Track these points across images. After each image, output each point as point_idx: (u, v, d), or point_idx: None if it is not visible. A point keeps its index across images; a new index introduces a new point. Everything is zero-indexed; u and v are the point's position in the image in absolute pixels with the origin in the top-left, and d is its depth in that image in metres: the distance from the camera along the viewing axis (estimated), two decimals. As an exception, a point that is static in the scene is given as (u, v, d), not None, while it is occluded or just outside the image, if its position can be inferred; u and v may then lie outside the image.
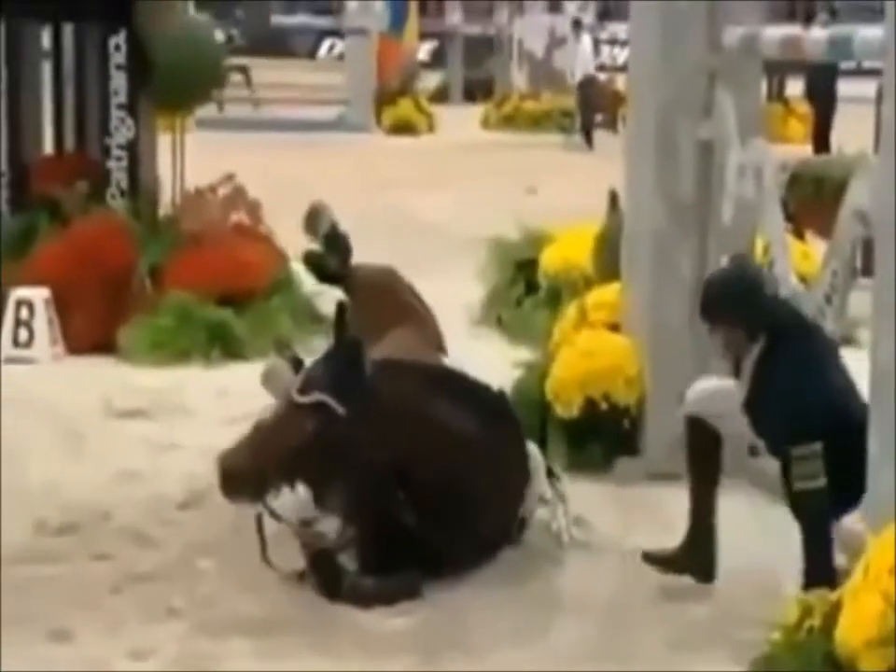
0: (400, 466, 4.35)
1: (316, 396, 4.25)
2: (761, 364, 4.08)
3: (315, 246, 5.31)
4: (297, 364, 4.77)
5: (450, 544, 4.38)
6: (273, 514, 4.34)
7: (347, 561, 4.39)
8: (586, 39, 20.50)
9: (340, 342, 4.43)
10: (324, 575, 4.36)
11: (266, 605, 4.28)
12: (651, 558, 4.34)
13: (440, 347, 5.04)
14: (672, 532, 4.42)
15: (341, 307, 4.52)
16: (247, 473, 4.25)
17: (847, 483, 3.90)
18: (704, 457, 4.26)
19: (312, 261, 5.29)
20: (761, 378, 4.08)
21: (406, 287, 5.23)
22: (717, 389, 4.28)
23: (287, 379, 5.19)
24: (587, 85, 19.75)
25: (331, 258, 5.24)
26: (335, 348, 4.43)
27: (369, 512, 4.39)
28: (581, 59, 20.25)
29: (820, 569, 3.83)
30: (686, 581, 4.34)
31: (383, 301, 5.09)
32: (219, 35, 8.97)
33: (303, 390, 4.31)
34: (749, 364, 4.12)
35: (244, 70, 21.96)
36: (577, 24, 21.20)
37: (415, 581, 4.33)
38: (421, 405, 4.41)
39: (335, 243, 5.24)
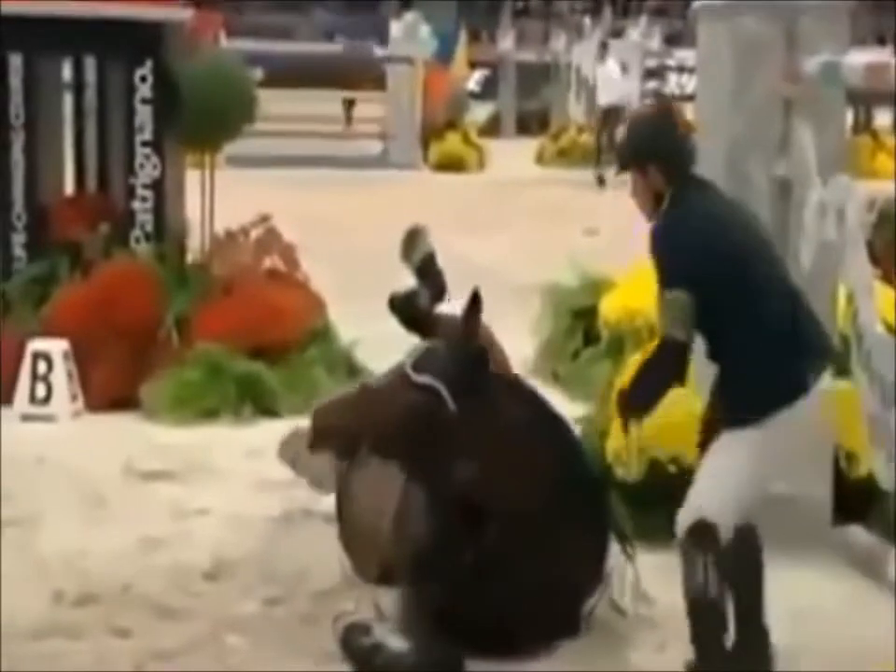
0: (477, 497, 4.37)
1: (431, 380, 4.36)
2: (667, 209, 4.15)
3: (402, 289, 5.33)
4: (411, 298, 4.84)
5: (506, 615, 4.36)
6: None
7: (384, 631, 4.39)
8: (611, 64, 20.45)
9: (469, 336, 4.49)
10: (359, 650, 4.37)
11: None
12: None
13: None
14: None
15: (475, 297, 4.55)
16: (341, 429, 4.37)
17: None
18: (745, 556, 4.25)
19: (398, 303, 5.29)
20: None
21: (495, 343, 5.26)
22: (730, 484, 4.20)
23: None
24: (609, 116, 19.72)
25: (422, 295, 5.25)
26: (463, 342, 4.49)
27: (429, 542, 4.39)
28: (603, 85, 20.19)
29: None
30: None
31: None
32: (250, 69, 9.05)
33: (418, 368, 4.39)
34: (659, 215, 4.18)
35: (351, 104, 22.37)
36: (603, 46, 21.24)
37: (457, 660, 4.33)
38: (528, 437, 4.46)
39: (429, 275, 5.25)
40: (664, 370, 4.12)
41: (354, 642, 4.41)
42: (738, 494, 4.08)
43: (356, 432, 4.51)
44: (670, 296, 4.02)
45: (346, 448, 4.58)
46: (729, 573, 4.08)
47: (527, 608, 4.40)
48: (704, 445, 4.23)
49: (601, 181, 19.05)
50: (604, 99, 20.13)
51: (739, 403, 4.11)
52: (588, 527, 4.58)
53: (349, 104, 23.74)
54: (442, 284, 5.27)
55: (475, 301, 4.57)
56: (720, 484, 4.06)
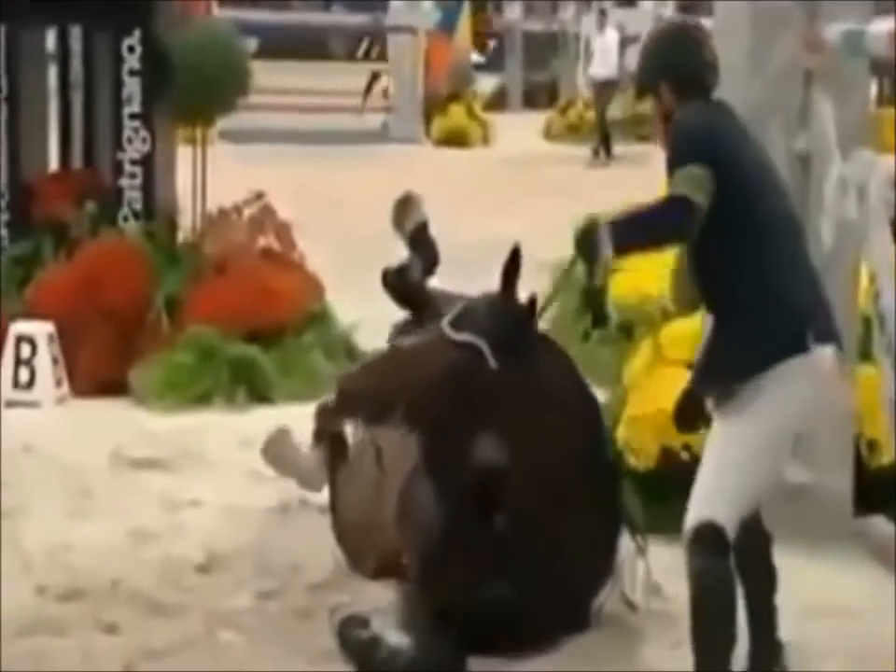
0: (493, 486, 4.31)
1: (470, 337, 4.31)
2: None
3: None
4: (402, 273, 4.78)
5: (512, 609, 4.35)
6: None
7: (383, 625, 4.39)
8: (611, 34, 20.30)
9: (509, 288, 4.44)
10: (357, 643, 4.38)
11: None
12: None
13: None
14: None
15: (515, 253, 4.49)
16: (370, 393, 4.33)
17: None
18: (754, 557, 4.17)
19: (390, 278, 5.26)
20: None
21: None
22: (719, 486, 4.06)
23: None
24: (605, 89, 19.58)
25: (414, 266, 5.22)
26: (503, 294, 4.44)
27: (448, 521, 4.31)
28: (601, 56, 20.00)
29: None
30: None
31: None
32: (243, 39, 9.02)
33: (457, 326, 4.36)
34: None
35: (376, 76, 22.30)
36: (602, 14, 21.11)
37: (459, 657, 4.32)
38: (562, 413, 4.41)
39: (422, 245, 5.22)
40: (666, 218, 3.91)
41: (351, 635, 4.41)
42: (742, 488, 3.96)
43: (387, 395, 4.38)
44: (683, 171, 3.88)
45: (377, 413, 4.44)
46: (735, 581, 3.99)
47: (534, 601, 4.39)
48: (681, 415, 4.15)
49: (596, 153, 19.05)
50: (598, 71, 19.99)
51: (735, 358, 3.96)
52: (599, 517, 4.56)
53: (374, 77, 23.52)
54: (435, 254, 5.23)
55: (515, 258, 4.51)
56: (721, 484, 3.95)
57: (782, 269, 3.99)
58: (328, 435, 5.28)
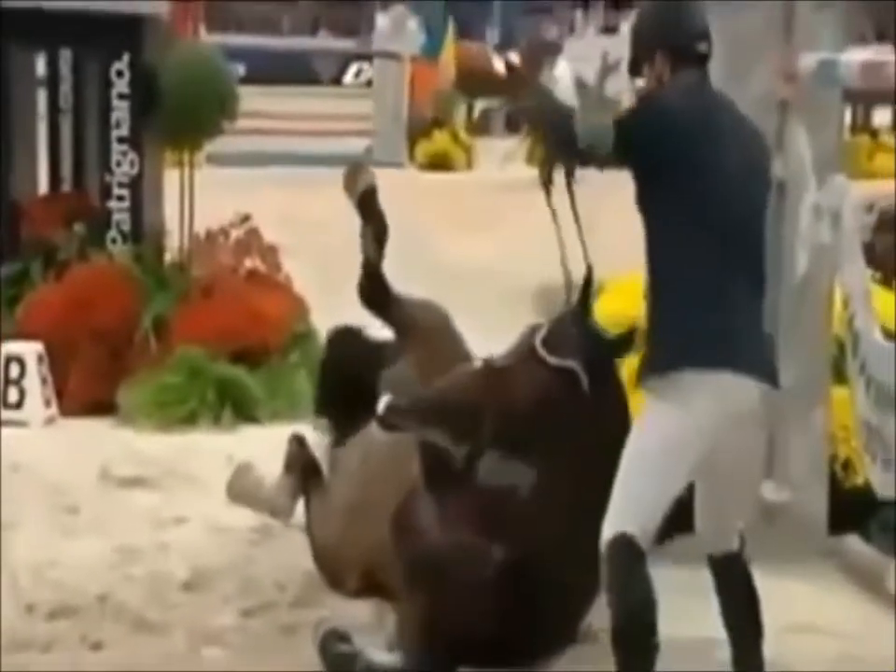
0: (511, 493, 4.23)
1: (567, 362, 4.19)
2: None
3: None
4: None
5: (504, 626, 4.34)
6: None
7: (364, 641, 4.41)
8: (563, 66, 19.97)
9: (588, 310, 4.34)
10: (337, 657, 4.40)
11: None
12: None
13: None
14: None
15: (590, 270, 4.35)
16: (463, 409, 4.21)
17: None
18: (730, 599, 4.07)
19: (362, 286, 5.18)
20: None
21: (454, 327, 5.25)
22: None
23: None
24: None
25: (366, 236, 5.14)
26: (588, 316, 4.33)
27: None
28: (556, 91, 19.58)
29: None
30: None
31: (444, 345, 5.08)
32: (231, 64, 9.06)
33: (550, 347, 4.24)
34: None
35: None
36: (553, 49, 20.81)
37: None
38: (613, 449, 4.07)
39: (370, 209, 5.10)
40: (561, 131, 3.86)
41: (332, 650, 4.43)
42: (646, 498, 3.82)
43: (477, 414, 4.24)
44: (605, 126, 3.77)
45: (465, 431, 4.28)
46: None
47: (529, 622, 4.38)
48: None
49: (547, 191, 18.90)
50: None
51: (666, 347, 3.82)
52: (597, 538, 4.55)
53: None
54: (384, 222, 5.14)
55: (589, 277, 4.37)
56: (626, 496, 3.83)
57: (715, 283, 3.81)
58: (300, 462, 5.29)
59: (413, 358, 5.01)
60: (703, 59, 4.03)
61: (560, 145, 3.99)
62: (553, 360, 4.23)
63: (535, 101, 4.19)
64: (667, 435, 3.79)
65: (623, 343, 4.37)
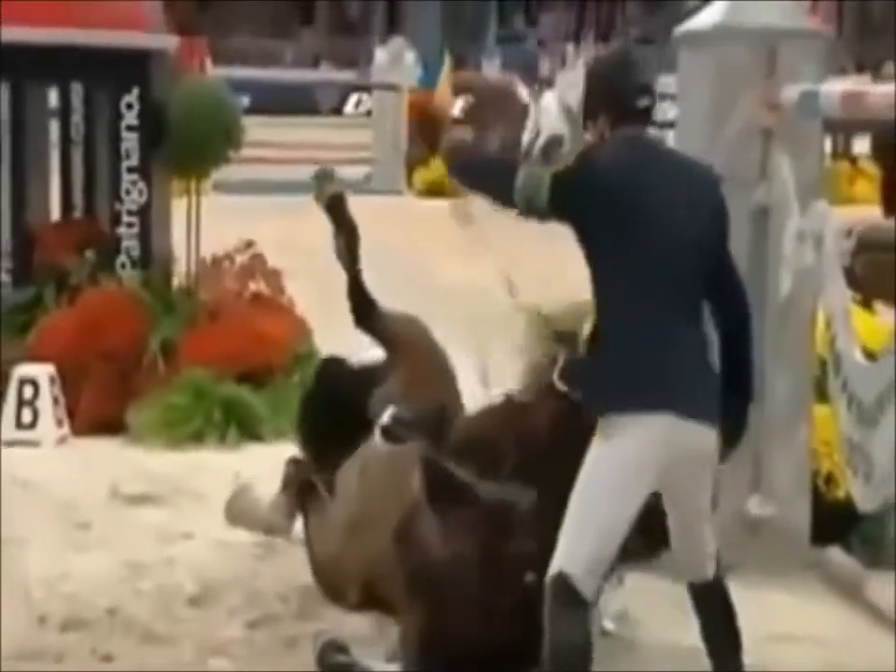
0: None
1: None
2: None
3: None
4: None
5: (497, 636, 4.30)
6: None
7: (362, 653, 4.39)
8: (549, 97, 19.89)
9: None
10: (335, 667, 4.39)
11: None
12: None
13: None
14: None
15: None
16: (486, 443, 4.19)
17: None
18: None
19: (352, 298, 5.12)
20: None
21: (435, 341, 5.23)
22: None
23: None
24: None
25: (336, 239, 5.10)
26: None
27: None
28: (543, 121, 19.60)
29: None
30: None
31: (426, 357, 5.08)
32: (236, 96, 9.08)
33: (566, 380, 4.24)
34: None
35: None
36: (541, 84, 20.88)
37: None
38: None
39: (338, 215, 5.03)
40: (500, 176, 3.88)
41: (330, 660, 4.42)
42: (586, 539, 3.76)
43: (499, 449, 4.25)
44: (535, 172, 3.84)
45: (487, 465, 4.24)
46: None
47: (528, 629, 4.36)
48: None
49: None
50: (543, 136, 19.76)
51: (607, 390, 3.82)
52: None
53: None
54: (354, 228, 5.07)
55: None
56: (568, 535, 3.78)
57: (655, 329, 3.78)
58: (297, 482, 5.28)
59: (399, 372, 5.01)
60: (645, 113, 3.95)
61: (498, 200, 3.97)
62: (569, 392, 4.22)
63: (473, 159, 4.15)
64: (607, 478, 3.75)
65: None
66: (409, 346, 5.13)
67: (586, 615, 3.77)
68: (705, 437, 3.82)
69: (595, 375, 3.90)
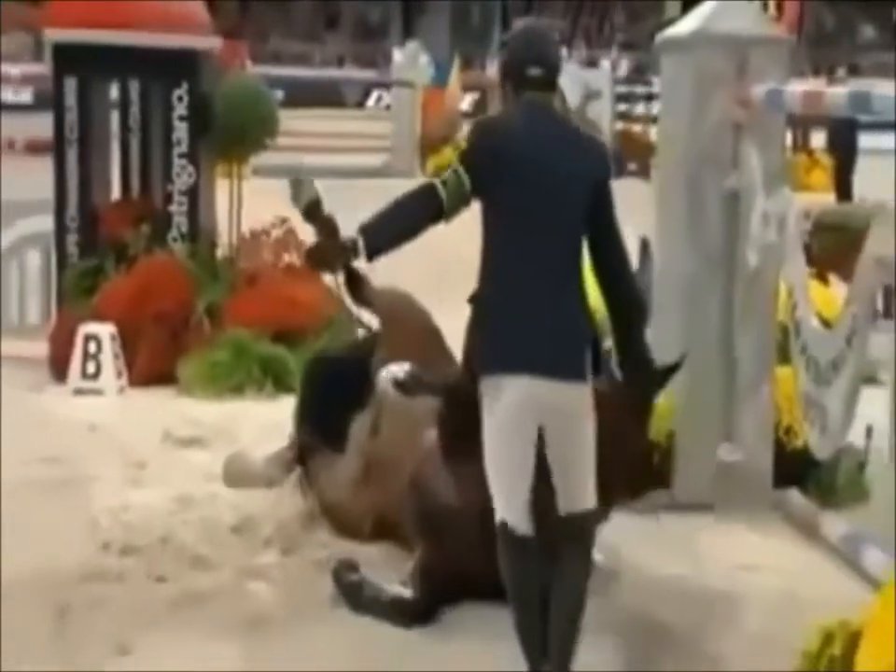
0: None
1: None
2: None
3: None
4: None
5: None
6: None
7: (377, 576, 4.39)
8: (572, 68, 19.33)
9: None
10: (346, 585, 4.40)
11: (310, 625, 4.30)
12: None
13: None
14: (698, 562, 4.39)
15: (639, 303, 4.03)
16: None
17: None
18: None
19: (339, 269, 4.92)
20: None
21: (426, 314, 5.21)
22: None
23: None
24: None
25: (318, 235, 5.01)
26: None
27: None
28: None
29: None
30: (717, 611, 4.29)
31: (412, 318, 5.09)
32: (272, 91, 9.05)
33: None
34: None
35: None
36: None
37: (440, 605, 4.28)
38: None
39: (317, 218, 4.66)
40: (417, 208, 3.75)
41: (344, 578, 4.44)
42: (498, 488, 3.72)
43: None
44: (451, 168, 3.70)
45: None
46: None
47: None
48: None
49: None
50: None
51: (483, 352, 3.70)
52: None
53: None
54: (334, 226, 4.94)
55: (640, 307, 4.04)
56: (494, 485, 3.74)
57: (523, 292, 3.65)
58: (298, 443, 5.32)
59: (387, 337, 5.02)
60: (541, 82, 3.78)
61: (423, 229, 3.85)
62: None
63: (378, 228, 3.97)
64: (496, 439, 3.69)
65: (670, 371, 4.21)
66: (395, 315, 5.16)
67: (528, 549, 3.72)
68: (569, 392, 3.66)
69: (474, 338, 3.79)
